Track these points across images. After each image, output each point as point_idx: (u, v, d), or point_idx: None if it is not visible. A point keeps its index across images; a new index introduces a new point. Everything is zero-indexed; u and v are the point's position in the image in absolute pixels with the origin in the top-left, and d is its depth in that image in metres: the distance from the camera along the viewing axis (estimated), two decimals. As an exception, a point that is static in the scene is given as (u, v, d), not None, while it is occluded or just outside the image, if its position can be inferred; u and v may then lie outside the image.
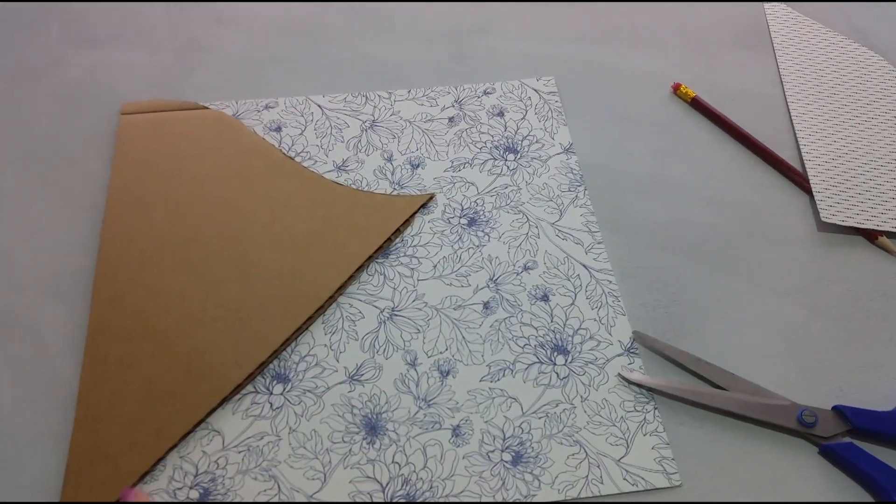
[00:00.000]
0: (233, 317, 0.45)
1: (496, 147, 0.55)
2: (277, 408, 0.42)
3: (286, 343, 0.45)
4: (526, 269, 0.49)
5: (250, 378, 0.43)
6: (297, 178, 0.52)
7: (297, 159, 0.53)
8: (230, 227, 0.49)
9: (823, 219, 0.50)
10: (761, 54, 0.62)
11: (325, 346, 0.45)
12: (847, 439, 0.42)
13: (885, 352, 0.46)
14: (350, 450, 0.41)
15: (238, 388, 0.43)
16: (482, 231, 0.50)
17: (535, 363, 0.45)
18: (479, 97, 0.58)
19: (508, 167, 0.54)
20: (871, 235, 0.50)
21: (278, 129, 0.55)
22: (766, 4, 0.65)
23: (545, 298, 0.47)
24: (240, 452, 0.41)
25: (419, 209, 0.51)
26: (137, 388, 0.42)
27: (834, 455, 0.41)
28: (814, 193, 0.52)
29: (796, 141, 0.55)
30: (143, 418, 0.41)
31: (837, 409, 0.42)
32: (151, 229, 0.49)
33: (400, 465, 0.41)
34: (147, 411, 0.42)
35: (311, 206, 0.50)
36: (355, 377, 0.44)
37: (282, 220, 0.50)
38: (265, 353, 0.44)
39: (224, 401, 0.42)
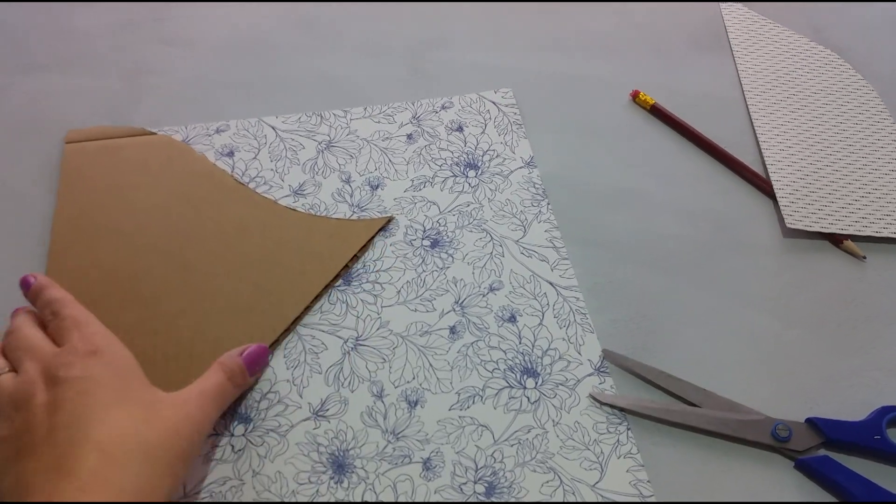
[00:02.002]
0: (184, 354, 0.43)
1: (456, 163, 0.54)
2: (239, 450, 0.41)
3: None
4: (492, 289, 0.48)
5: None
6: (249, 204, 0.50)
7: (252, 185, 0.52)
8: (181, 259, 0.48)
9: (788, 225, 0.50)
10: (720, 56, 0.61)
11: (288, 381, 0.43)
12: (822, 452, 0.41)
13: (857, 360, 0.45)
14: (317, 490, 0.40)
15: None
16: (446, 252, 0.49)
17: (504, 388, 0.44)
18: (437, 112, 0.57)
19: (470, 184, 0.52)
20: (836, 239, 0.50)
21: (231, 154, 0.53)
22: (723, 5, 0.65)
23: (512, 319, 0.46)
24: (202, 500, 0.39)
25: (378, 232, 0.50)
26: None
27: (809, 469, 0.41)
28: (778, 199, 0.51)
29: (758, 145, 0.55)
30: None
31: (811, 422, 0.42)
32: (99, 263, 0.47)
33: (370, 501, 0.39)
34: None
35: (265, 233, 0.49)
36: (320, 413, 0.42)
37: (235, 250, 0.48)
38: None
39: None
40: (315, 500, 0.39)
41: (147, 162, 0.52)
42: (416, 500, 0.39)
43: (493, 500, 0.39)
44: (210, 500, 0.39)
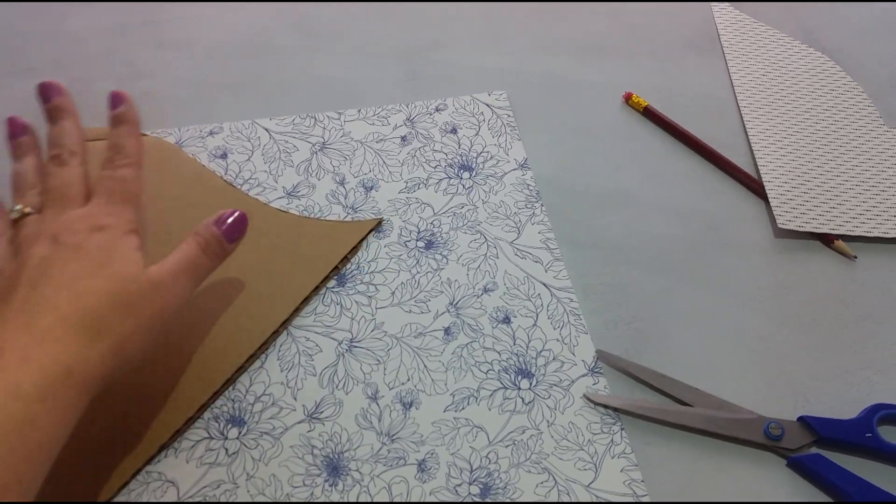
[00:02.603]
0: (173, 357, 0.43)
1: (450, 165, 0.54)
2: (233, 453, 0.41)
3: (230, 381, 0.43)
4: (486, 291, 0.48)
5: (192, 421, 0.41)
6: (240, 206, 0.50)
7: (245, 186, 0.52)
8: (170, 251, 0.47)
9: (780, 225, 0.50)
10: (712, 59, 0.62)
11: (282, 383, 0.43)
12: (814, 450, 0.42)
13: (848, 358, 0.46)
14: (312, 493, 0.40)
15: (179, 432, 0.41)
16: (440, 254, 0.49)
17: (499, 389, 0.44)
18: (430, 114, 0.57)
19: (464, 186, 0.53)
20: (827, 239, 0.50)
21: (224, 156, 0.53)
22: (714, 7, 0.65)
23: (507, 321, 0.46)
24: (198, 502, 0.39)
25: (370, 233, 0.50)
26: (74, 438, 0.40)
27: (802, 467, 0.41)
28: (769, 200, 0.52)
29: (749, 146, 0.55)
30: (83, 469, 0.39)
31: (803, 420, 0.42)
32: None
33: (364, 502, 0.39)
34: (86, 461, 0.39)
35: (255, 235, 0.48)
36: (314, 415, 0.42)
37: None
38: (208, 393, 0.42)
39: (165, 447, 0.41)
40: (310, 502, 0.39)
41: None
42: (412, 501, 0.39)
43: (488, 500, 0.40)
44: (207, 502, 0.39)
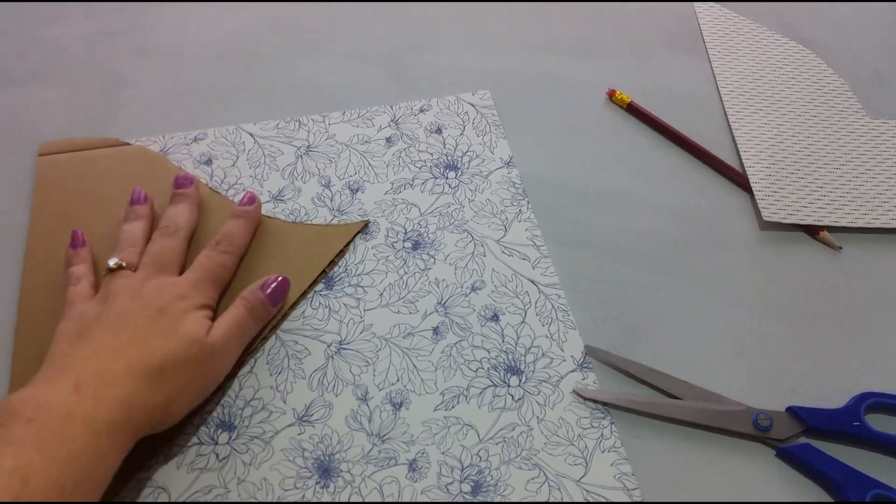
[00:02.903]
0: None
1: (436, 165, 0.54)
2: (224, 458, 0.41)
3: (220, 386, 0.43)
4: (474, 289, 0.48)
5: (181, 427, 0.41)
6: (225, 212, 0.50)
7: (231, 192, 0.52)
8: None
9: (765, 217, 0.50)
10: (695, 55, 0.62)
11: (271, 387, 0.43)
12: (803, 440, 0.42)
13: (834, 348, 0.46)
14: (303, 496, 0.40)
15: (170, 439, 0.41)
16: (427, 254, 0.49)
17: (489, 386, 0.44)
18: (415, 115, 0.57)
19: (450, 185, 0.53)
20: (812, 231, 0.51)
21: (209, 162, 0.53)
22: (696, 4, 0.66)
23: (495, 318, 0.46)
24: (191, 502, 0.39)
25: (357, 235, 0.50)
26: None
27: (791, 457, 0.41)
28: (754, 193, 0.52)
29: (734, 140, 0.56)
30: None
31: (791, 410, 0.42)
32: None
33: (357, 502, 0.39)
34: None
35: None
36: (304, 418, 0.42)
37: None
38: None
39: (158, 453, 0.40)
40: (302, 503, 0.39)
41: (121, 173, 0.52)
42: (403, 501, 0.39)
43: (480, 498, 0.40)
44: (200, 502, 0.39)
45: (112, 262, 0.43)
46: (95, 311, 0.40)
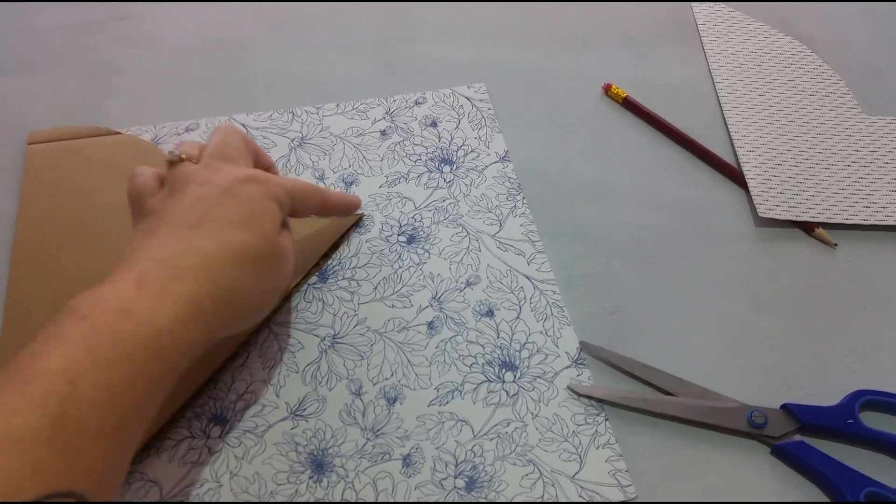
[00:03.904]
0: None
1: (431, 159, 0.53)
2: (216, 452, 0.40)
3: (212, 379, 0.42)
4: (469, 284, 0.47)
5: (174, 420, 0.41)
6: None
7: (225, 184, 0.51)
8: None
9: (760, 214, 0.50)
10: (691, 49, 0.62)
11: (264, 381, 0.43)
12: (797, 437, 0.42)
13: (829, 345, 0.46)
14: (296, 490, 0.39)
15: (162, 432, 0.41)
16: (422, 248, 0.49)
17: (483, 382, 0.43)
18: (410, 108, 0.56)
19: (445, 179, 0.52)
20: (808, 227, 0.51)
21: (202, 153, 0.52)
22: (693, 3, 0.66)
23: (490, 314, 0.46)
24: (180, 502, 0.39)
25: (352, 229, 0.49)
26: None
27: (785, 454, 0.41)
28: (749, 189, 0.52)
29: (729, 136, 0.56)
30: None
31: (786, 408, 0.42)
32: (63, 267, 0.46)
33: (351, 502, 0.39)
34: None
35: None
36: (298, 412, 0.42)
37: None
38: (188, 391, 0.41)
39: (147, 447, 0.40)
40: (294, 500, 0.39)
41: (111, 162, 0.51)
42: (397, 497, 0.39)
43: (474, 494, 0.39)
44: (189, 502, 0.38)
45: (174, 155, 0.39)
46: (161, 204, 0.37)
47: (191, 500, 0.39)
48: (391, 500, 0.39)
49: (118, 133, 0.53)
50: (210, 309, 0.34)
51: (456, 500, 0.39)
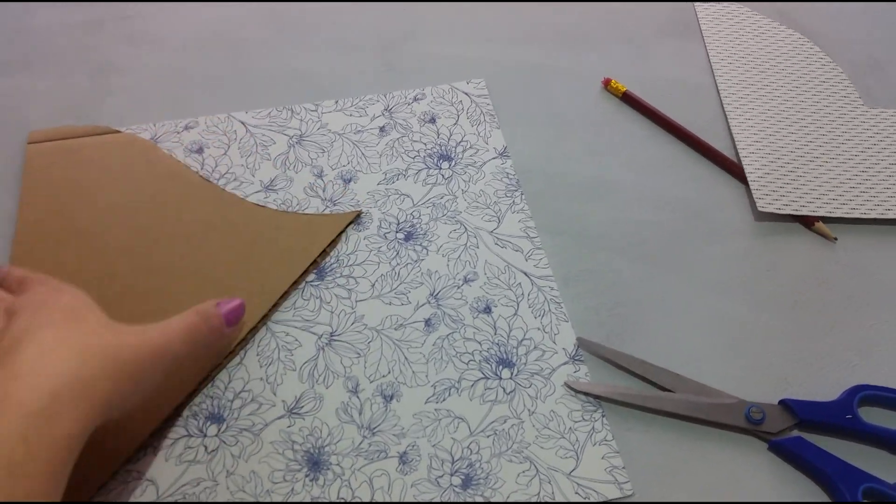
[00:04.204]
0: None
1: (430, 155, 0.53)
2: (213, 450, 0.40)
3: (209, 378, 0.43)
4: (466, 281, 0.47)
5: (170, 419, 0.41)
6: (216, 201, 0.50)
7: (222, 181, 0.51)
8: (147, 260, 0.47)
9: (760, 208, 0.50)
10: (691, 43, 0.61)
11: (261, 379, 0.43)
12: (795, 433, 0.42)
13: (829, 340, 0.46)
14: (292, 489, 0.39)
15: (159, 431, 0.41)
16: (420, 245, 0.49)
17: (480, 379, 0.43)
18: (409, 104, 0.56)
19: (443, 176, 0.52)
20: (807, 221, 0.50)
21: (200, 151, 0.53)
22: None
23: (487, 310, 0.46)
24: (175, 502, 0.39)
25: (350, 226, 0.49)
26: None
27: (783, 450, 0.41)
28: (749, 183, 0.51)
29: (729, 130, 0.55)
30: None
31: (784, 403, 0.42)
32: (63, 265, 0.46)
33: (346, 501, 0.39)
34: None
35: (232, 231, 0.48)
36: (294, 410, 0.42)
37: (202, 249, 0.47)
38: (185, 391, 0.42)
39: (146, 446, 0.40)
40: (290, 499, 0.39)
41: (111, 161, 0.51)
42: (393, 495, 0.39)
43: (470, 491, 0.39)
44: (184, 502, 0.39)
45: None
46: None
47: (187, 499, 0.39)
48: (387, 499, 0.39)
49: (117, 132, 0.53)
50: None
51: (452, 497, 0.39)
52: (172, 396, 0.42)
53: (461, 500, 0.39)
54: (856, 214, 0.50)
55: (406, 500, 0.39)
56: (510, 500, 0.39)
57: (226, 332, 0.41)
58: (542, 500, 0.39)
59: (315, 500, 0.39)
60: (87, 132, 0.53)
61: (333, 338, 0.45)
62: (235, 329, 0.42)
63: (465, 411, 0.42)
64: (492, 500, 0.39)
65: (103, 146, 0.52)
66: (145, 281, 0.46)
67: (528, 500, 0.39)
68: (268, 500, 0.39)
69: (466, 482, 0.40)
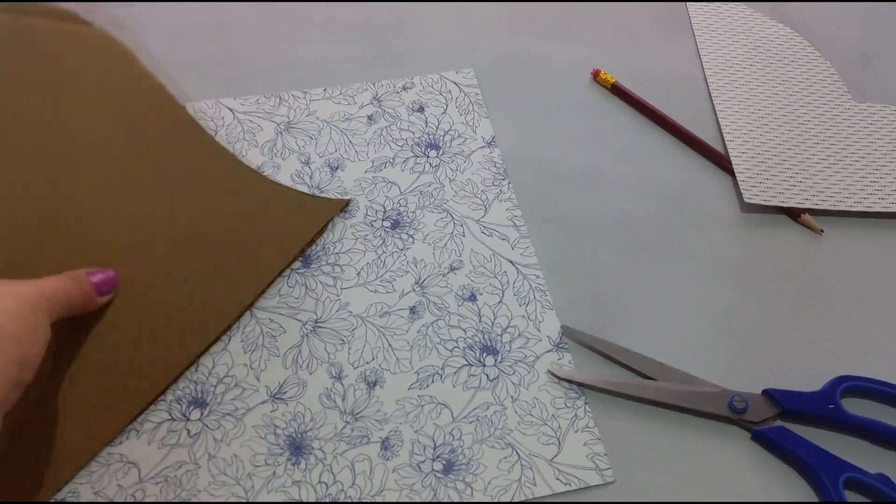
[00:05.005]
0: (135, 335, 0.42)
1: (417, 144, 0.53)
2: (195, 434, 0.40)
3: (192, 363, 0.42)
4: (452, 269, 0.47)
5: (151, 404, 0.41)
6: (205, 150, 0.46)
7: (209, 168, 0.51)
8: (116, 206, 0.43)
9: (746, 199, 0.50)
10: (681, 35, 0.61)
11: (245, 364, 0.43)
12: (778, 423, 0.42)
13: (813, 331, 0.46)
14: (274, 472, 0.39)
15: (142, 415, 0.41)
16: (406, 233, 0.49)
17: (464, 366, 0.43)
18: (397, 93, 0.56)
19: (431, 164, 0.52)
20: (794, 213, 0.50)
21: (188, 138, 0.52)
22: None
23: (472, 298, 0.46)
24: (157, 484, 0.39)
25: (338, 213, 0.49)
26: (33, 420, 0.39)
27: (766, 440, 0.41)
28: (736, 174, 0.52)
29: (717, 122, 0.55)
30: (42, 452, 0.39)
31: (767, 393, 0.42)
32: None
33: (327, 485, 0.39)
34: (46, 443, 0.39)
35: (221, 194, 0.46)
36: (277, 396, 0.42)
37: (190, 209, 0.45)
38: (171, 375, 0.41)
39: (129, 429, 0.40)
40: (271, 484, 0.39)
41: (75, 61, 0.43)
42: (375, 480, 0.39)
43: (451, 476, 0.39)
44: (165, 485, 0.39)
45: None
46: None
47: (169, 483, 0.39)
48: (369, 484, 0.39)
49: (89, 25, 0.42)
50: None
51: (433, 483, 0.39)
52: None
53: (443, 486, 0.39)
54: (842, 207, 0.50)
55: (387, 485, 0.39)
56: (490, 485, 0.39)
57: (98, 302, 0.41)
58: (538, 501, 0.39)
59: (298, 483, 0.39)
60: (49, 13, 0.42)
61: (318, 325, 0.45)
62: (107, 298, 0.42)
63: (448, 398, 0.42)
64: (494, 502, 0.39)
65: (68, 39, 0.42)
66: (112, 233, 0.43)
67: (509, 485, 0.39)
68: (248, 483, 0.39)
69: (448, 467, 0.40)
